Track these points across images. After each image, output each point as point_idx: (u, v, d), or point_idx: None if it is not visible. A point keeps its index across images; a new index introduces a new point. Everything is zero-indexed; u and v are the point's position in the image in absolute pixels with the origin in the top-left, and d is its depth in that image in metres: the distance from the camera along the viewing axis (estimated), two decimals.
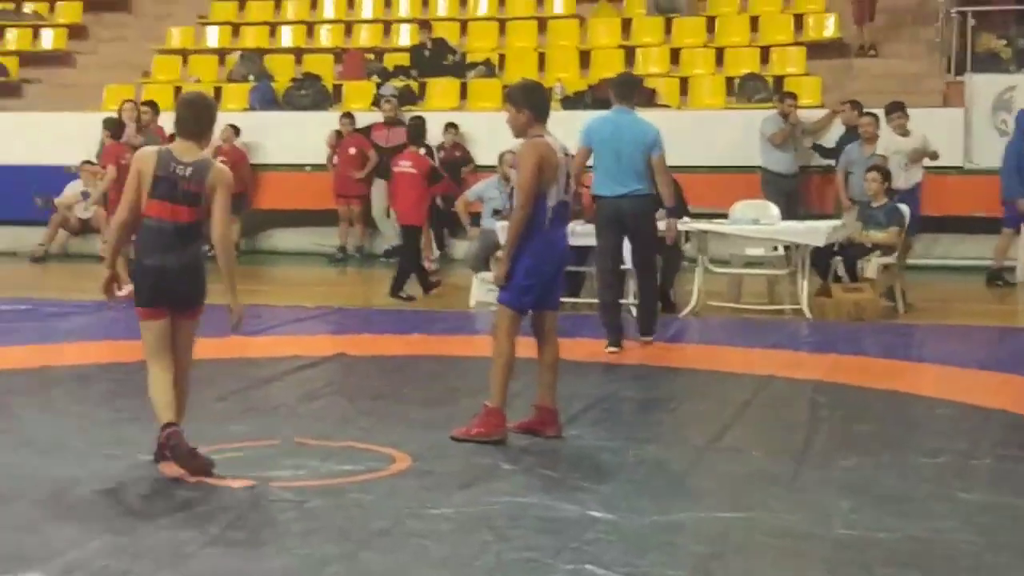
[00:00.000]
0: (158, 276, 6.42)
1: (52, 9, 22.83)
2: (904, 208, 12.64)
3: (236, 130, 18.01)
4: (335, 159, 17.65)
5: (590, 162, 10.44)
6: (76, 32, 22.20)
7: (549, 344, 7.21)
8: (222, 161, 16.89)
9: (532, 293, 7.06)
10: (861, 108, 15.16)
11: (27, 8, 22.91)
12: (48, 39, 22.17)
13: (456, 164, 17.38)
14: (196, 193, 6.42)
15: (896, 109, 14.15)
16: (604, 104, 16.40)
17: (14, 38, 22.22)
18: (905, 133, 13.99)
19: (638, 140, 10.22)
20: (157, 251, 6.41)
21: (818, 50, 18.48)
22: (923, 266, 13.18)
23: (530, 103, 7.10)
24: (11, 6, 22.89)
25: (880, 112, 14.42)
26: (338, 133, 17.69)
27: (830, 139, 16.15)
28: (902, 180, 13.56)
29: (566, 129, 8.99)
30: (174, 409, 6.34)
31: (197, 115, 6.58)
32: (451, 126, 17.52)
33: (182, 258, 6.45)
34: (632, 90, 10.93)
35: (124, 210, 6.48)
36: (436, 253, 16.58)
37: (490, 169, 14.73)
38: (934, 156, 14.21)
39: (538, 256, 7.02)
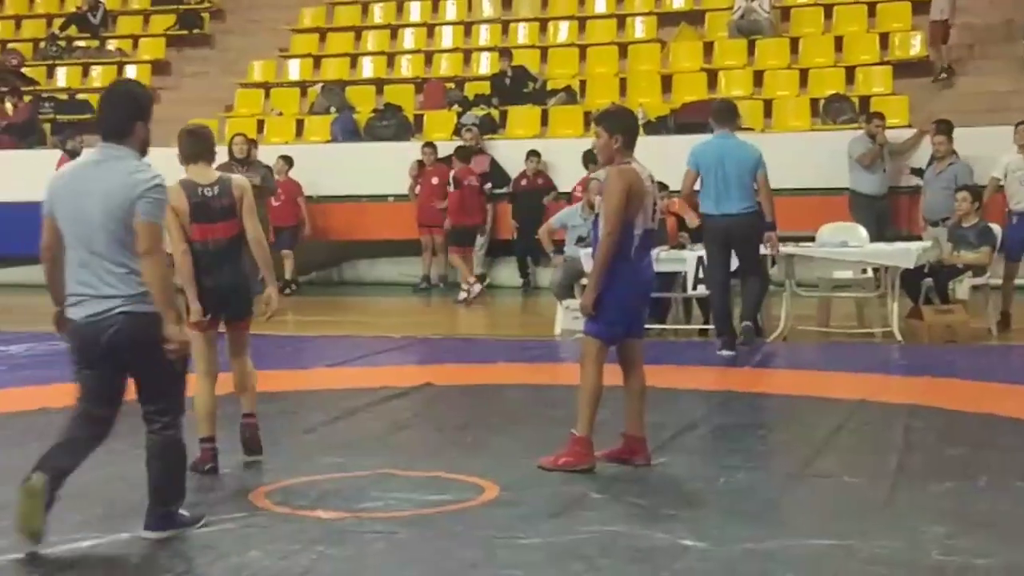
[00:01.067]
0: (210, 292, 7.02)
1: (136, 46, 23.21)
2: (996, 228, 12.45)
3: (289, 162, 17.91)
4: (417, 189, 17.71)
5: (697, 185, 11.31)
6: (159, 68, 22.53)
7: (636, 372, 7.16)
8: (279, 195, 17.30)
9: (621, 323, 7.02)
10: (948, 128, 14.80)
11: (111, 45, 23.30)
12: (132, 75, 22.47)
13: (539, 192, 17.39)
14: (229, 206, 7.05)
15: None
16: (688, 128, 16.45)
17: (99, 75, 22.56)
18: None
19: (743, 161, 11.09)
20: (209, 271, 7.01)
21: (904, 69, 18.29)
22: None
23: (622, 129, 7.07)
24: (96, 44, 23.28)
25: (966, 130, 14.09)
26: (420, 163, 17.74)
27: (920, 159, 15.94)
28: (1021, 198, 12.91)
29: (650, 154, 8.94)
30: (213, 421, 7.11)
31: (203, 140, 7.35)
32: (533, 154, 17.52)
33: (230, 275, 7.06)
34: (732, 116, 11.73)
35: (182, 243, 6.99)
36: (473, 282, 16.43)
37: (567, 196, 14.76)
38: None
39: (626, 285, 6.97)
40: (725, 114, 11.60)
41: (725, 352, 11.12)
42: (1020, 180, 12.89)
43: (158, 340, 5.57)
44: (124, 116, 5.85)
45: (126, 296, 5.59)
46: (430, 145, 17.74)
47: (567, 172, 16.72)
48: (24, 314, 15.75)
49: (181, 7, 23.50)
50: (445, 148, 17.87)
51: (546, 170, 17.64)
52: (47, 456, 5.68)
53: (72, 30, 23.58)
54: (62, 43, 23.32)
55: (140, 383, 5.76)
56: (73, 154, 16.91)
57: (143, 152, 5.89)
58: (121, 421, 5.78)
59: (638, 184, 6.94)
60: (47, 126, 21.44)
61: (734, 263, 11.45)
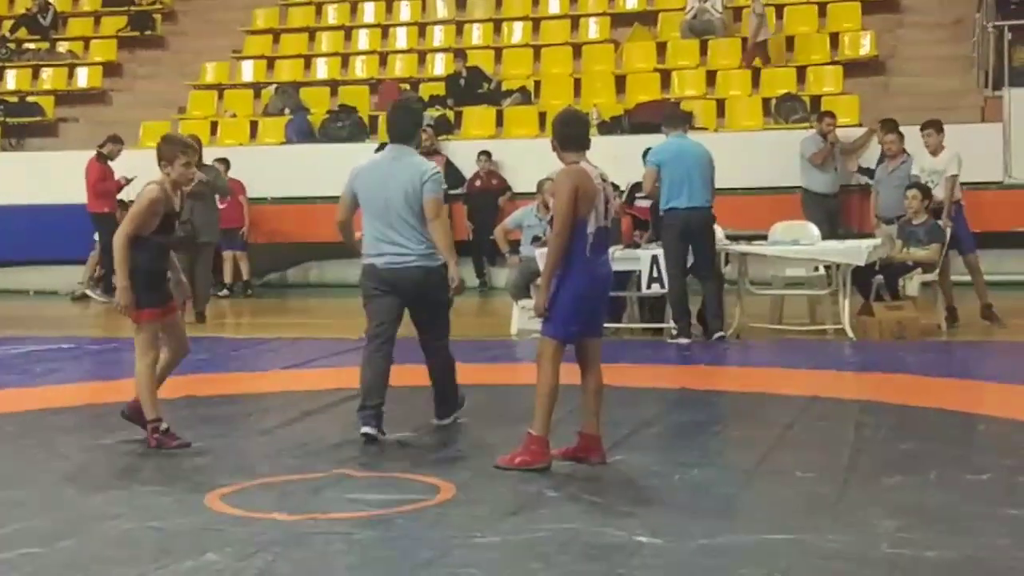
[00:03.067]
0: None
1: (87, 47, 23.08)
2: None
3: (227, 164, 17.60)
4: None
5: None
6: (111, 70, 22.42)
7: (593, 371, 7.17)
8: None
9: (576, 322, 7.04)
10: (894, 127, 14.89)
11: (61, 47, 23.15)
12: (83, 78, 22.38)
13: (493, 193, 17.42)
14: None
15: (927, 127, 13.91)
16: (641, 128, 16.53)
17: (49, 77, 22.45)
18: (937, 152, 13.67)
19: (701, 158, 11.92)
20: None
21: (855, 68, 18.46)
22: (965, 282, 13.07)
23: (566, 132, 7.13)
24: (46, 45, 23.14)
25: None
26: None
27: (870, 158, 16.07)
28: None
29: (604, 154, 9.02)
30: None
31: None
32: (484, 154, 17.57)
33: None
34: (684, 119, 12.85)
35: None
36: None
37: (529, 196, 14.77)
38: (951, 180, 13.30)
39: (580, 284, 7.00)
40: (678, 118, 12.71)
41: (681, 340, 11.65)
42: (933, 183, 13.08)
43: (439, 284, 7.85)
44: (410, 124, 8.24)
45: (418, 253, 7.83)
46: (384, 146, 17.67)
47: (522, 172, 16.77)
48: None
49: (132, 8, 23.38)
50: None
51: (499, 170, 17.69)
52: (364, 397, 7.84)
53: (22, 32, 23.42)
54: (12, 45, 23.16)
55: (424, 316, 8.04)
56: (105, 157, 17.10)
57: (417, 148, 8.25)
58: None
59: (587, 184, 6.95)
60: None
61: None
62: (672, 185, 11.81)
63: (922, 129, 13.74)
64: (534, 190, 14.00)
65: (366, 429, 7.82)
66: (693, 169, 11.83)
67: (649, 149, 12.50)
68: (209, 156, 16.95)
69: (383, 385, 7.91)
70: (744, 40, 19.25)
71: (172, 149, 7.75)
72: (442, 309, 8.08)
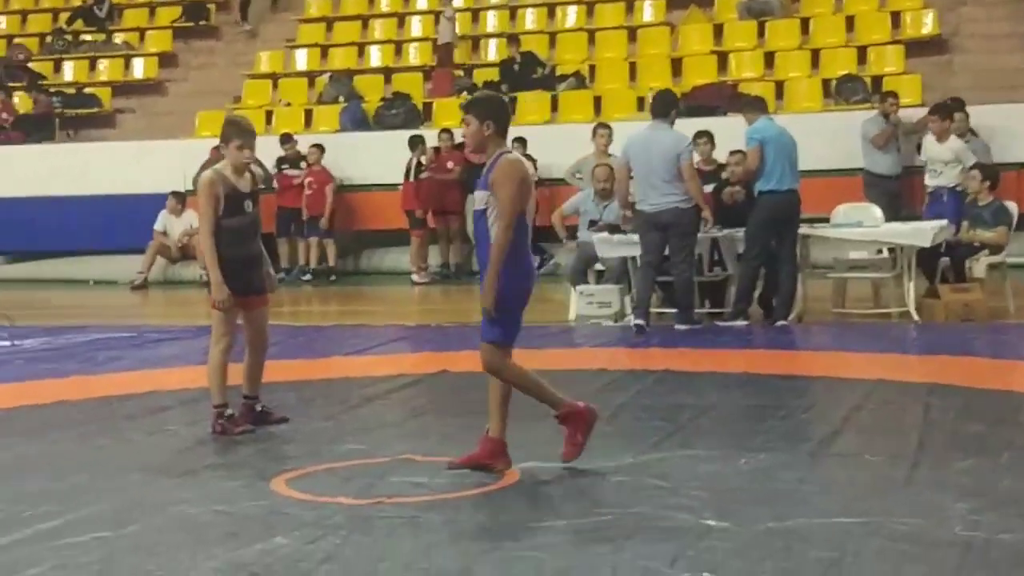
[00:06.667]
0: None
1: (142, 38, 23.23)
2: (1012, 206, 12.43)
3: (321, 149, 18.16)
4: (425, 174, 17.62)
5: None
6: (166, 60, 22.57)
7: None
8: (311, 183, 17.57)
9: (519, 322, 6.59)
10: (948, 109, 14.63)
11: (117, 38, 23.30)
12: (139, 68, 22.52)
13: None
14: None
15: (934, 112, 13.78)
16: (698, 112, 16.41)
17: (106, 69, 22.61)
18: (942, 138, 13.50)
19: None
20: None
21: (917, 48, 18.24)
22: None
23: (493, 115, 6.62)
24: (102, 37, 23.30)
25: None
26: (436, 150, 17.69)
27: None
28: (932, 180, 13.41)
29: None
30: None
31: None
32: (517, 140, 17.56)
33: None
34: (668, 106, 11.84)
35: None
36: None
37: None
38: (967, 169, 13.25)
39: (523, 281, 6.56)
40: (759, 101, 12.53)
41: (637, 322, 11.55)
42: (936, 171, 13.37)
43: (690, 223, 11.35)
44: (667, 104, 11.74)
45: (676, 200, 11.26)
46: (447, 131, 17.64)
47: (578, 156, 16.67)
48: (40, 309, 15.83)
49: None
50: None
51: (531, 157, 17.63)
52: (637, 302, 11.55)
53: (78, 24, 23.61)
54: (68, 37, 23.36)
55: (674, 244, 11.33)
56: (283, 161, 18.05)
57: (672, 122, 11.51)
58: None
59: (528, 175, 6.61)
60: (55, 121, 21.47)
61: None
62: (773, 167, 11.73)
63: (930, 114, 13.62)
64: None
65: (638, 322, 11.43)
66: (791, 152, 11.83)
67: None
68: (268, 145, 17.13)
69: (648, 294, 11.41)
70: (804, 21, 19.09)
71: (228, 131, 7.73)
72: (686, 239, 11.47)
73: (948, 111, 13.82)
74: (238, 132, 7.71)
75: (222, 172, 7.69)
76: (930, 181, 13.16)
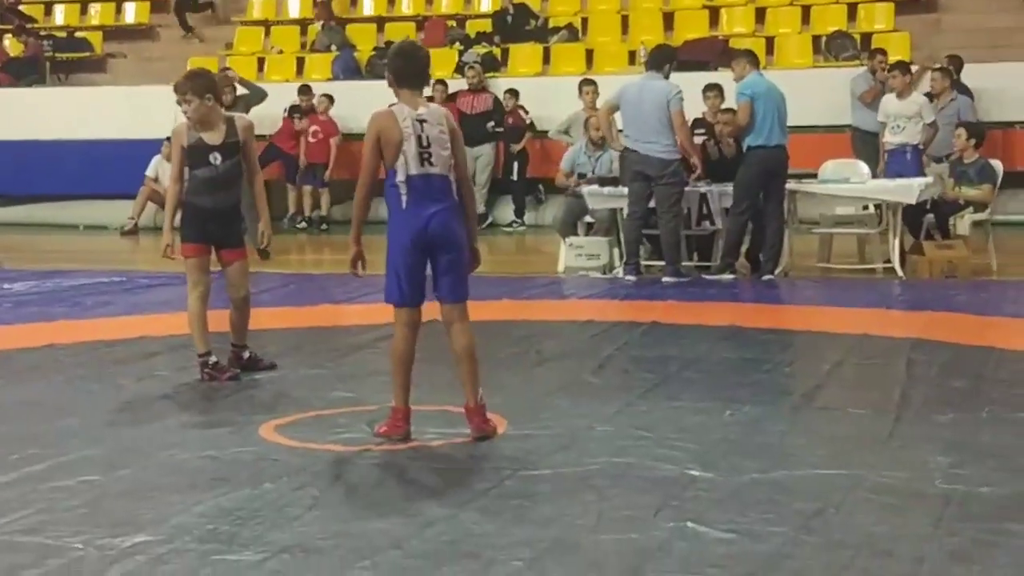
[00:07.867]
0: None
1: None
2: (997, 164, 12.48)
3: (331, 100, 18.28)
4: None
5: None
6: (159, 5, 22.42)
7: (453, 334, 6.55)
8: (316, 132, 17.60)
9: (406, 282, 6.42)
10: (947, 70, 14.65)
11: None
12: (131, 13, 22.40)
13: (519, 130, 17.47)
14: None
15: (894, 68, 13.78)
16: (689, 66, 16.39)
17: (97, 13, 22.48)
18: (903, 95, 13.48)
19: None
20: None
21: (906, 5, 18.23)
22: (1014, 223, 12.98)
23: (400, 66, 6.39)
24: None
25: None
26: (429, 99, 17.64)
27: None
28: (893, 137, 13.26)
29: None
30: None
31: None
32: (509, 92, 17.61)
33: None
34: (663, 59, 12.11)
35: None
36: None
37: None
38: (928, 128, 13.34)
39: (398, 242, 6.44)
40: (752, 55, 12.57)
41: (629, 277, 11.83)
42: (898, 127, 13.15)
43: (675, 173, 11.56)
44: (663, 58, 11.98)
45: (662, 144, 11.48)
46: (441, 82, 17.61)
47: (570, 110, 16.67)
48: (28, 252, 15.82)
49: None
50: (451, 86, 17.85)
51: (523, 108, 17.68)
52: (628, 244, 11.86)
53: None
54: None
55: (659, 194, 11.57)
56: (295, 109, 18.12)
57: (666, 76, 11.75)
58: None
59: (392, 129, 6.22)
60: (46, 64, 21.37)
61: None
62: (762, 122, 11.78)
63: (888, 70, 13.63)
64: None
65: (629, 277, 11.71)
66: (780, 107, 11.87)
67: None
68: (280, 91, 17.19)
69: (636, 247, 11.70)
70: None
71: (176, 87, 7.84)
72: (673, 188, 11.71)
73: (906, 67, 13.76)
74: (176, 87, 7.82)
75: (189, 124, 7.78)
76: (891, 138, 13.12)
